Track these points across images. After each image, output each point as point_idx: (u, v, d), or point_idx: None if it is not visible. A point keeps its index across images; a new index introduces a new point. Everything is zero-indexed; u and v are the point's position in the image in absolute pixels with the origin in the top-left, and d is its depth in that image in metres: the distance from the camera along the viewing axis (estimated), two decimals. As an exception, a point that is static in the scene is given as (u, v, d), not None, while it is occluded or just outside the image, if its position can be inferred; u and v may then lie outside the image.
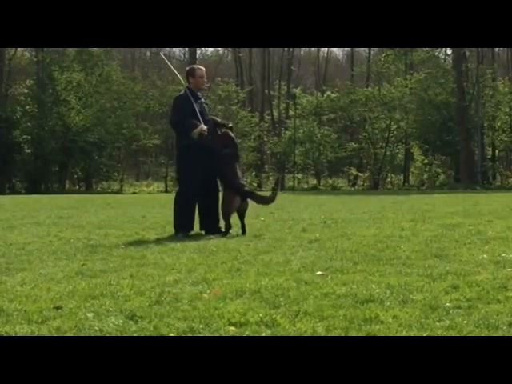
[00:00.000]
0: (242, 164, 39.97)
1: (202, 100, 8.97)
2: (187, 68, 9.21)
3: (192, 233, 8.49)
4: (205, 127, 8.38)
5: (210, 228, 8.59)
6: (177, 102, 8.80)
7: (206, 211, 8.67)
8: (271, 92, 48.57)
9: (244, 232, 8.39)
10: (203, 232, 8.58)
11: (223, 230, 8.52)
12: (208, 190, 8.66)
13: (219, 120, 9.15)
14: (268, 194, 8.94)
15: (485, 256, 6.02)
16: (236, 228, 8.53)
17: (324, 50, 57.05)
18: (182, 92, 8.88)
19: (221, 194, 8.79)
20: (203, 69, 8.99)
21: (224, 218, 8.49)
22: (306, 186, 41.12)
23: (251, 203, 8.69)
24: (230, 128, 9.04)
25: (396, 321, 3.78)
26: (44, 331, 3.70)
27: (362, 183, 42.25)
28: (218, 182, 8.86)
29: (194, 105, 8.50)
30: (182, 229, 8.46)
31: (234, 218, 8.55)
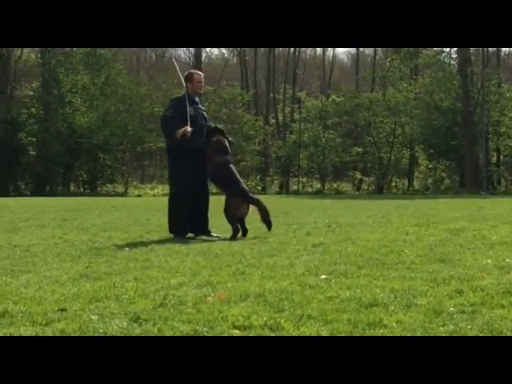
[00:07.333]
0: (247, 167, 40.23)
1: (200, 106, 9.02)
2: (185, 73, 9.24)
3: (190, 235, 8.55)
4: (189, 129, 8.44)
5: (199, 229, 8.65)
6: (172, 102, 9.10)
7: (196, 212, 8.68)
8: (276, 95, 48.58)
9: (245, 234, 8.49)
10: (192, 234, 8.63)
11: (213, 233, 8.63)
12: (199, 191, 8.71)
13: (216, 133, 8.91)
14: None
15: (489, 261, 6.01)
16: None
17: (329, 53, 57.19)
18: (181, 94, 8.99)
19: (211, 197, 8.89)
20: (201, 74, 9.08)
21: (231, 223, 8.51)
22: (310, 190, 41.14)
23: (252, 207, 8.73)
24: (230, 142, 9.02)
25: (400, 325, 3.78)
26: (48, 333, 3.70)
27: (366, 187, 42.29)
28: (210, 185, 9.03)
29: (187, 108, 8.56)
30: (179, 231, 8.51)
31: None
